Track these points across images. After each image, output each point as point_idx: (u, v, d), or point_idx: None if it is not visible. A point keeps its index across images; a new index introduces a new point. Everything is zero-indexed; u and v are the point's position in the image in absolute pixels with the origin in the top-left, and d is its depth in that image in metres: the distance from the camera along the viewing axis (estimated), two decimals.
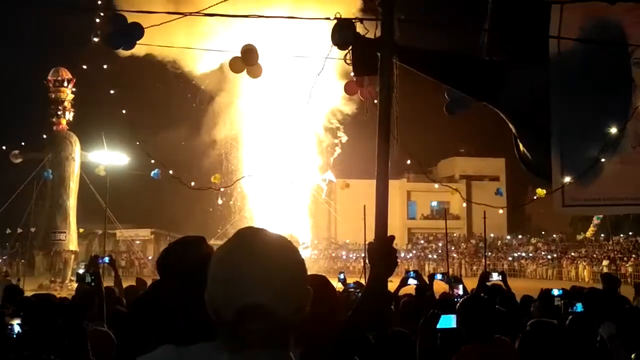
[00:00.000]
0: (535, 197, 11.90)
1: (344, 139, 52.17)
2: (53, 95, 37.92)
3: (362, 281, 13.00)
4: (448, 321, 5.65)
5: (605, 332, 4.92)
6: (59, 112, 37.89)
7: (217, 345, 1.82)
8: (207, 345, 2.05)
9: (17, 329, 5.58)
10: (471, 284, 8.78)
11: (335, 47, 6.64)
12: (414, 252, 60.02)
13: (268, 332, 1.72)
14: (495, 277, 8.70)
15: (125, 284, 9.05)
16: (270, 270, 1.73)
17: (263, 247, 1.78)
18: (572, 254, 51.20)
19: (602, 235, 54.78)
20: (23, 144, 39.00)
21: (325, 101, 46.20)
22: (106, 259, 7.66)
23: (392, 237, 3.19)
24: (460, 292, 8.42)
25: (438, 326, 5.52)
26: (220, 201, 46.93)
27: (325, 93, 39.92)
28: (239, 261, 1.75)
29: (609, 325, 4.92)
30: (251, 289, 1.72)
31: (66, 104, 38.02)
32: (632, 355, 5.10)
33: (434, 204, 70.37)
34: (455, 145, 71.56)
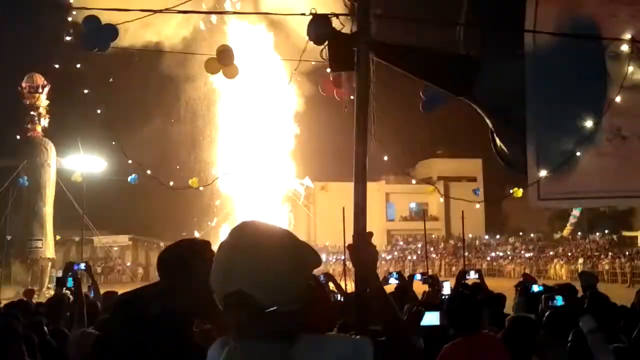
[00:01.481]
0: (510, 192, 11.96)
1: (322, 140, 52.19)
2: (27, 102, 37.65)
3: (343, 284, 12.99)
4: (432, 318, 5.67)
5: (584, 326, 4.94)
6: (34, 119, 37.59)
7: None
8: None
9: None
10: (450, 284, 8.85)
11: (311, 43, 6.62)
12: (394, 253, 60.21)
13: (256, 321, 1.75)
14: (473, 275, 8.78)
15: (102, 290, 9.01)
16: (253, 259, 1.76)
17: (253, 237, 1.82)
18: (550, 252, 51.66)
19: (579, 233, 55.34)
20: None
21: (300, 102, 46.26)
22: (82, 266, 7.58)
23: (370, 233, 3.17)
24: (447, 290, 8.48)
25: (422, 323, 5.53)
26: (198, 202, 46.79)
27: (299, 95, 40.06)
28: (227, 251, 1.82)
29: (588, 319, 4.94)
30: (233, 276, 1.76)
31: (41, 110, 37.74)
32: (611, 347, 5.12)
33: (413, 205, 70.63)
34: (432, 147, 71.98)
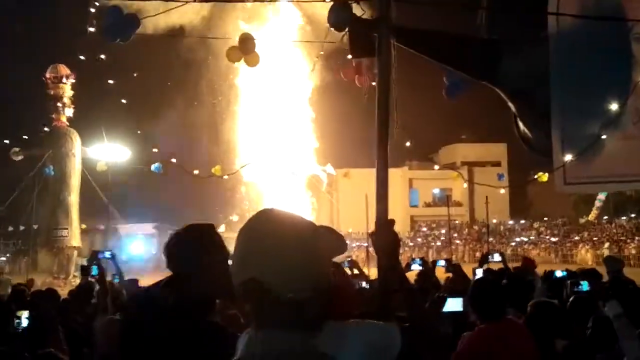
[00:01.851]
0: (535, 177, 11.86)
1: (344, 127, 52.07)
2: (52, 92, 37.95)
3: (366, 270, 12.99)
4: (455, 304, 5.65)
5: (610, 311, 4.89)
6: (59, 109, 37.91)
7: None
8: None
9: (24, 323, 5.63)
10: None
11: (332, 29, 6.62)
12: (418, 239, 60.06)
13: (271, 310, 1.75)
14: (496, 257, 8.73)
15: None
16: (267, 246, 1.76)
17: (269, 225, 1.82)
18: (575, 237, 51.22)
19: (605, 217, 54.78)
20: (24, 139, 38.94)
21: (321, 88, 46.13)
22: (107, 254, 7.64)
23: (392, 221, 3.16)
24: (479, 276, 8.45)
25: (445, 309, 5.51)
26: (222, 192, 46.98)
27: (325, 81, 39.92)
28: (243, 238, 1.82)
29: (614, 304, 4.89)
30: (248, 264, 1.77)
31: (65, 100, 38.05)
32: (637, 332, 5.08)
33: (436, 191, 70.37)
34: (456, 132, 71.55)
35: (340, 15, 6.45)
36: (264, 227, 1.82)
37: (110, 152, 37.98)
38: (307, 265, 1.79)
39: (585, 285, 6.41)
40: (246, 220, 1.90)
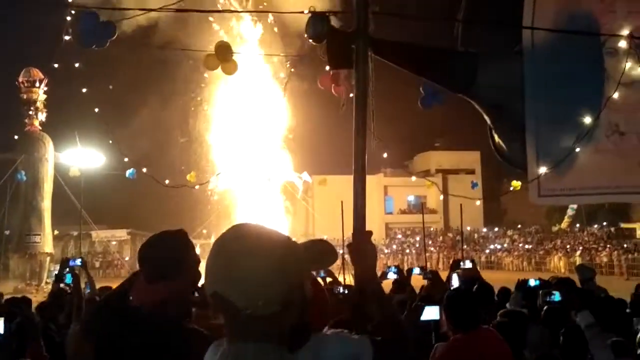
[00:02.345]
0: (511, 189, 11.99)
1: (320, 134, 52.12)
2: (25, 96, 37.59)
3: (341, 278, 13.01)
4: (432, 313, 5.68)
5: (582, 321, 4.95)
6: (31, 113, 37.55)
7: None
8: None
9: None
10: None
11: (310, 41, 6.64)
12: (393, 247, 60.23)
13: (233, 322, 1.80)
14: (468, 264, 8.80)
15: (99, 285, 9.04)
16: (229, 262, 1.80)
17: (235, 241, 1.85)
18: (548, 245, 51.70)
19: (577, 226, 55.37)
20: None
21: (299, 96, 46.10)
22: (78, 261, 7.59)
23: (370, 233, 3.18)
24: (455, 283, 8.49)
25: (422, 318, 5.54)
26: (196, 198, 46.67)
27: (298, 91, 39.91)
28: (211, 253, 1.87)
29: (586, 314, 4.95)
30: (212, 278, 1.83)
31: (38, 104, 37.69)
32: (608, 341, 5.14)
33: (411, 198, 70.64)
34: (430, 140, 71.95)
35: (318, 27, 6.48)
36: (233, 242, 1.85)
37: (84, 157, 37.68)
38: (274, 281, 1.80)
39: (557, 296, 6.47)
40: (218, 229, 1.95)
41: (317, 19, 6.56)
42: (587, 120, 7.61)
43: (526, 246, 53.29)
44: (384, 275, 9.29)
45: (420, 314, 5.76)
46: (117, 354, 2.80)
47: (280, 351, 1.80)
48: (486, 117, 8.17)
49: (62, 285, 7.27)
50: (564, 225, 57.37)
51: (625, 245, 44.09)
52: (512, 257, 51.30)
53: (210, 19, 42.76)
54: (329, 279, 8.87)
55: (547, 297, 6.69)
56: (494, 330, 4.91)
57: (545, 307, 6.24)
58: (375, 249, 3.05)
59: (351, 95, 4.70)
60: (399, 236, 65.57)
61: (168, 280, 2.86)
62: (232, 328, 1.82)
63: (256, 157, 42.53)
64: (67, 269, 7.07)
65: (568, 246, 49.15)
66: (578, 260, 39.60)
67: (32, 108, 37.53)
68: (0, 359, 5.16)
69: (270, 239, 1.86)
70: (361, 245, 3.02)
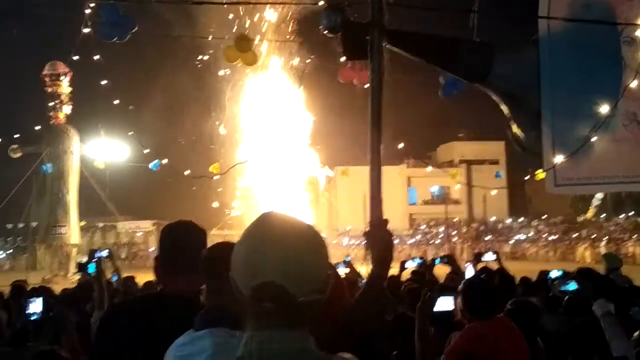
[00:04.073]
0: (527, 177, 11.94)
1: (342, 125, 52.00)
2: (49, 89, 37.98)
3: (364, 268, 13.04)
4: (446, 303, 5.71)
5: (598, 310, 4.96)
6: (56, 106, 37.92)
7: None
8: (218, 329, 2.33)
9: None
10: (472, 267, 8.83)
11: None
12: (417, 237, 60.09)
13: (282, 311, 1.79)
14: (490, 257, 8.77)
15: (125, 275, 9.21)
16: (283, 251, 1.81)
17: (280, 229, 1.87)
18: (573, 235, 51.28)
19: (603, 216, 54.86)
20: (20, 137, 38.86)
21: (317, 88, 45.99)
22: (104, 253, 7.72)
23: (386, 221, 3.23)
24: (469, 274, 8.48)
25: (435, 309, 5.58)
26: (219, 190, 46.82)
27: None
28: (256, 242, 1.85)
29: (602, 303, 4.96)
30: (264, 268, 1.80)
31: (63, 97, 38.05)
32: (635, 333, 5.14)
33: (435, 189, 70.41)
34: (454, 130, 71.56)
35: (332, 19, 6.51)
36: (275, 230, 1.86)
37: (109, 149, 38.00)
38: (317, 269, 1.86)
39: (573, 285, 6.47)
40: (241, 223, 1.96)
41: (332, 10, 6.59)
42: (604, 109, 7.56)
43: (551, 237, 52.89)
44: (403, 265, 9.32)
45: (434, 304, 5.80)
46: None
47: (303, 336, 1.83)
48: (503, 107, 8.16)
49: (87, 276, 7.39)
50: (589, 215, 56.81)
51: None
52: (537, 247, 50.95)
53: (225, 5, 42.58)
54: (347, 270, 8.92)
55: (561, 286, 6.70)
56: (508, 319, 4.93)
57: (566, 297, 6.26)
58: (392, 237, 3.10)
59: (367, 86, 4.75)
60: (423, 227, 65.39)
61: (195, 274, 2.93)
62: (264, 318, 1.82)
63: (278, 150, 42.54)
64: (94, 260, 7.18)
65: (594, 236, 48.71)
66: (603, 251, 39.25)
67: (56, 101, 37.90)
68: (37, 339, 5.28)
69: (307, 227, 1.92)
70: (377, 233, 3.07)
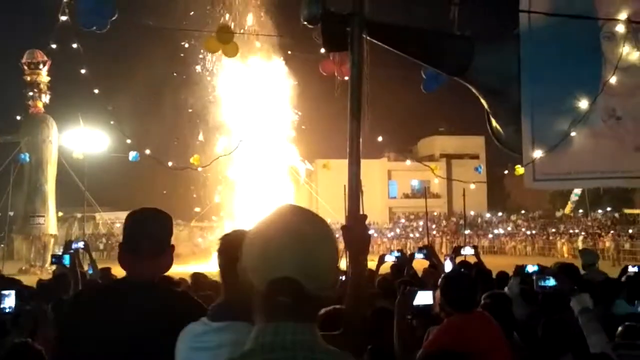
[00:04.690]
0: (506, 172, 11.99)
1: (323, 118, 52.01)
2: (28, 78, 37.51)
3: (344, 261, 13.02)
4: (425, 298, 5.70)
5: (576, 306, 4.95)
6: (35, 95, 37.51)
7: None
8: (238, 322, 2.34)
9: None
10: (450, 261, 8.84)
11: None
12: (396, 230, 60.28)
13: (296, 305, 1.77)
14: (468, 251, 8.80)
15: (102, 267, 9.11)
16: (301, 246, 1.80)
17: (296, 224, 1.84)
18: (552, 230, 51.66)
19: (581, 211, 55.31)
20: None
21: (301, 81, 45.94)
22: (80, 244, 7.63)
23: (364, 216, 3.21)
24: (448, 268, 8.49)
25: (415, 303, 5.56)
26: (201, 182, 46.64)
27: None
28: (272, 236, 1.82)
29: (580, 299, 4.95)
30: (282, 263, 1.78)
31: (42, 86, 37.62)
32: (620, 328, 5.14)
33: (415, 182, 70.66)
34: (435, 124, 71.82)
35: (313, 10, 6.46)
36: (293, 225, 1.84)
37: (88, 139, 37.67)
38: (331, 265, 1.85)
39: (551, 280, 6.48)
40: (219, 213, 1.93)
41: (312, 1, 6.54)
42: (584, 104, 7.60)
43: (529, 231, 53.27)
44: (382, 259, 9.32)
45: (413, 298, 5.78)
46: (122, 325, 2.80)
47: (313, 328, 1.82)
48: (483, 101, 8.17)
49: (63, 267, 7.31)
50: (567, 210, 57.30)
51: (629, 231, 44.07)
52: (515, 242, 51.29)
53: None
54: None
55: (540, 282, 6.71)
56: (486, 313, 4.93)
57: (541, 293, 6.27)
58: (368, 232, 3.07)
59: (346, 78, 4.69)
60: (402, 220, 65.61)
61: (161, 256, 2.97)
62: (277, 311, 1.79)
63: (259, 142, 42.42)
64: (71, 251, 7.11)
65: (571, 231, 49.11)
66: (580, 246, 39.57)
67: (35, 90, 37.47)
68: (13, 332, 5.20)
69: (322, 222, 1.90)
70: (355, 227, 3.04)
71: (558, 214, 58.95)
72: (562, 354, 4.78)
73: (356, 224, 3.08)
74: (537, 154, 7.69)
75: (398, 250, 8.91)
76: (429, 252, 8.94)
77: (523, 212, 61.07)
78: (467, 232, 51.46)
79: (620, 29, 7.67)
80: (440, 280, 5.01)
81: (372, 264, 4.93)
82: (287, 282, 1.77)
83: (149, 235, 2.99)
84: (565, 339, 4.82)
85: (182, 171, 32.96)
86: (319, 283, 1.80)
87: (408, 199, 69.91)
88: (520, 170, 12.94)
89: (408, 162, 51.65)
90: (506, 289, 7.75)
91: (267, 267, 1.80)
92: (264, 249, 1.82)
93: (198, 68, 45.10)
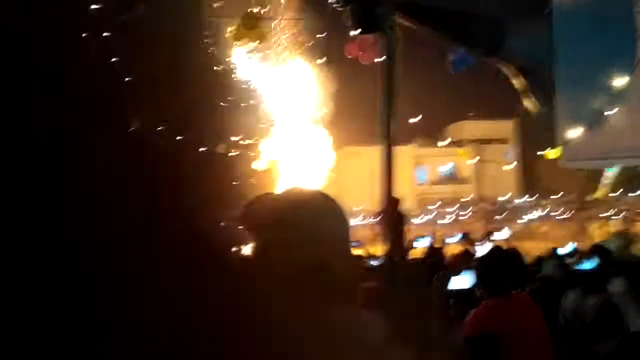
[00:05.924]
0: (539, 153, 11.87)
1: (352, 104, 51.81)
2: None
3: (372, 248, 13.05)
4: (460, 282, 5.70)
5: (613, 289, 4.92)
6: None
7: None
8: None
9: None
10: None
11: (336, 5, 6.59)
12: (426, 217, 59.98)
13: (333, 287, 1.78)
14: (501, 235, 8.75)
15: None
16: (329, 229, 1.83)
17: (318, 208, 1.87)
18: (584, 214, 51.05)
19: (613, 195, 54.49)
20: None
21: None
22: None
23: (398, 200, 3.23)
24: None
25: (450, 287, 5.56)
26: None
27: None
28: (314, 219, 1.84)
29: (617, 282, 4.92)
30: (313, 246, 1.79)
31: None
32: None
33: (444, 168, 70.29)
34: (463, 109, 71.24)
35: None
36: (318, 210, 1.86)
37: None
38: (350, 242, 1.91)
39: (588, 263, 6.43)
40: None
41: None
42: (619, 81, 7.47)
43: (561, 215, 52.69)
44: (411, 244, 9.31)
45: (447, 282, 5.77)
46: None
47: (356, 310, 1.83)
48: (515, 82, 8.08)
49: None
50: (600, 194, 56.56)
51: None
52: (547, 226, 50.81)
53: None
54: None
55: (577, 264, 6.67)
56: (526, 296, 4.92)
57: (579, 275, 6.23)
58: (403, 215, 3.07)
59: (377, 60, 4.66)
60: (433, 207, 65.30)
61: None
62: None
63: (290, 130, 42.42)
64: None
65: (605, 214, 48.46)
66: (614, 229, 39.09)
67: None
68: None
69: (336, 204, 1.94)
70: (390, 211, 3.05)
71: (590, 197, 58.20)
72: (613, 337, 4.74)
73: (390, 208, 3.07)
74: (573, 133, 7.60)
75: (431, 235, 8.87)
76: (465, 237, 8.91)
77: (555, 196, 60.39)
78: (498, 217, 51.16)
79: None
80: (475, 265, 5.01)
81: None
82: (321, 265, 1.76)
83: None
84: (617, 322, 4.78)
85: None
86: (346, 263, 1.84)
87: (437, 185, 69.60)
88: (551, 153, 12.79)
89: (440, 144, 51.29)
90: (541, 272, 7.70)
91: (304, 249, 1.79)
92: (296, 234, 1.80)
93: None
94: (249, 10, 11.51)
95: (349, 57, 10.21)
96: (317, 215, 1.81)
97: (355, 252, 8.35)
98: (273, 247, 1.83)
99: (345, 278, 1.78)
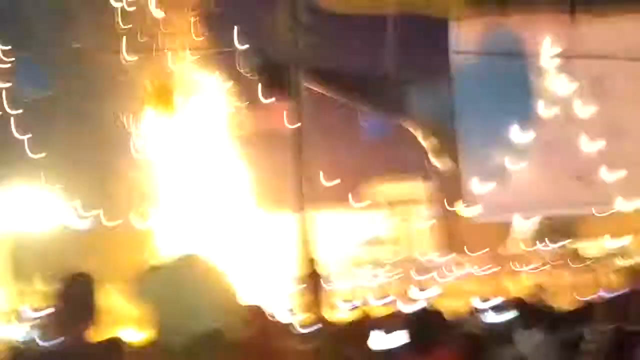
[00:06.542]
0: (450, 210, 12.11)
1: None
2: None
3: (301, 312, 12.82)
4: (389, 341, 5.67)
5: (527, 340, 4.99)
6: None
7: None
8: None
9: None
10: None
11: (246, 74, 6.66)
12: (352, 279, 59.66)
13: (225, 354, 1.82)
14: (421, 294, 8.79)
15: None
16: (220, 299, 1.88)
17: (199, 280, 1.91)
18: (498, 267, 51.89)
19: (529, 248, 55.69)
20: None
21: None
22: None
23: (315, 261, 3.25)
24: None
25: (379, 347, 5.53)
26: None
27: None
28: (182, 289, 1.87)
29: (532, 334, 5.01)
30: (204, 314, 1.83)
31: None
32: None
33: (363, 231, 70.51)
34: (378, 171, 72.18)
35: (252, 60, 6.50)
36: (211, 278, 1.92)
37: None
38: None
39: (501, 316, 6.51)
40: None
41: (252, 51, 6.58)
42: (520, 137, 7.74)
43: (479, 271, 53.46)
44: (336, 306, 9.25)
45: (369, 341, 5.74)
46: None
47: None
48: (423, 141, 8.28)
49: None
50: (512, 247, 57.88)
51: (575, 265, 44.52)
52: (467, 282, 51.41)
53: None
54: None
55: (495, 318, 6.75)
56: (450, 353, 4.93)
57: (488, 328, 6.29)
58: (322, 277, 3.08)
59: (288, 125, 4.72)
60: (356, 269, 65.23)
61: None
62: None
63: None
64: None
65: (518, 266, 49.40)
66: (528, 281, 39.85)
67: None
68: None
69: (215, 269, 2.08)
70: (310, 274, 3.06)
71: (504, 251, 59.43)
72: None
73: (309, 269, 3.08)
74: (481, 189, 7.80)
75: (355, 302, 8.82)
76: (391, 299, 8.85)
77: (470, 253, 61.38)
78: (421, 277, 51.48)
79: (548, 63, 7.89)
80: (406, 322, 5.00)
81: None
82: (215, 333, 1.83)
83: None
84: None
85: None
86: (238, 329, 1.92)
87: (358, 247, 69.66)
88: (462, 210, 13.11)
89: (357, 205, 51.60)
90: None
91: (188, 322, 1.82)
92: (177, 302, 1.85)
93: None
94: (163, 83, 11.37)
95: (260, 123, 10.25)
96: (199, 288, 1.79)
97: (278, 317, 8.24)
98: (164, 318, 1.80)
99: (246, 341, 1.76)
